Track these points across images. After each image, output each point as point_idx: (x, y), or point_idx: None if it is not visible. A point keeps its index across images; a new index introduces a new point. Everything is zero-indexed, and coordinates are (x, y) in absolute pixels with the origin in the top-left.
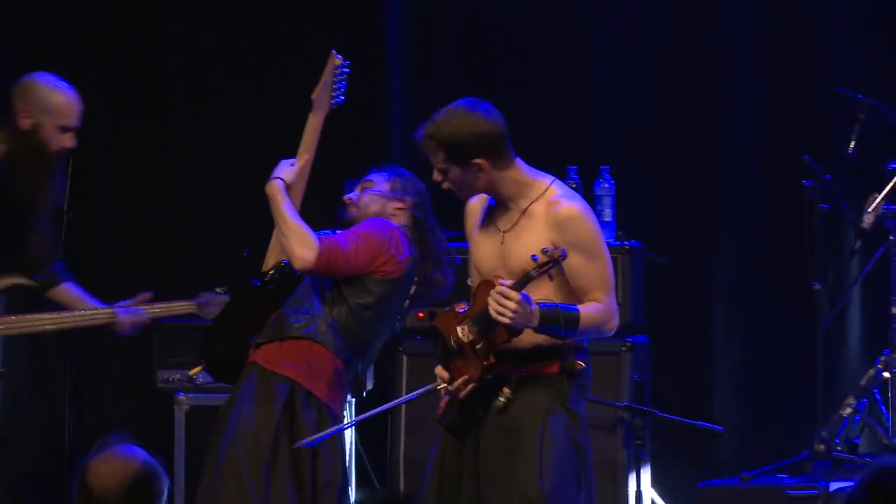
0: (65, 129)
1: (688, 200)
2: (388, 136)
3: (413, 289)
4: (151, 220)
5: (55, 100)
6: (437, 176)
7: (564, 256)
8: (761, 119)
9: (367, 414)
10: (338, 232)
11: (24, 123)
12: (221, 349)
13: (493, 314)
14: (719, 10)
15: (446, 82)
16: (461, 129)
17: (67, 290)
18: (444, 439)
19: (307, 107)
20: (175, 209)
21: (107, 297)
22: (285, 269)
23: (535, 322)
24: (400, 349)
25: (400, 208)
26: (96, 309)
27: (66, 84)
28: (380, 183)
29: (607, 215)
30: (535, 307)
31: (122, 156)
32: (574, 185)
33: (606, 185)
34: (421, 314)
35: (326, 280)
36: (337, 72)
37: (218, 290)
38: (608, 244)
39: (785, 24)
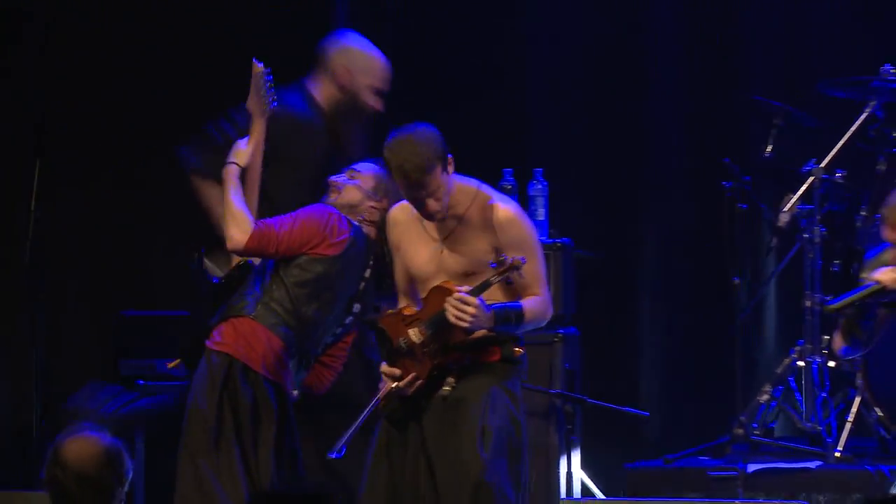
0: (376, 91)
1: (616, 201)
2: None
3: (366, 277)
4: (118, 220)
5: (372, 63)
6: (433, 206)
7: (524, 262)
8: (685, 125)
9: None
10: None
11: (342, 78)
12: (190, 343)
13: (453, 319)
14: (648, 24)
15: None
16: (426, 151)
17: None
18: (387, 429)
19: None
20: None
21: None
22: (246, 266)
23: (491, 323)
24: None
25: (375, 208)
26: None
27: (376, 49)
28: (366, 177)
29: (540, 215)
30: (490, 311)
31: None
32: (509, 187)
33: (539, 187)
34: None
35: (269, 264)
36: (261, 79)
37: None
38: (541, 242)
39: (708, 37)
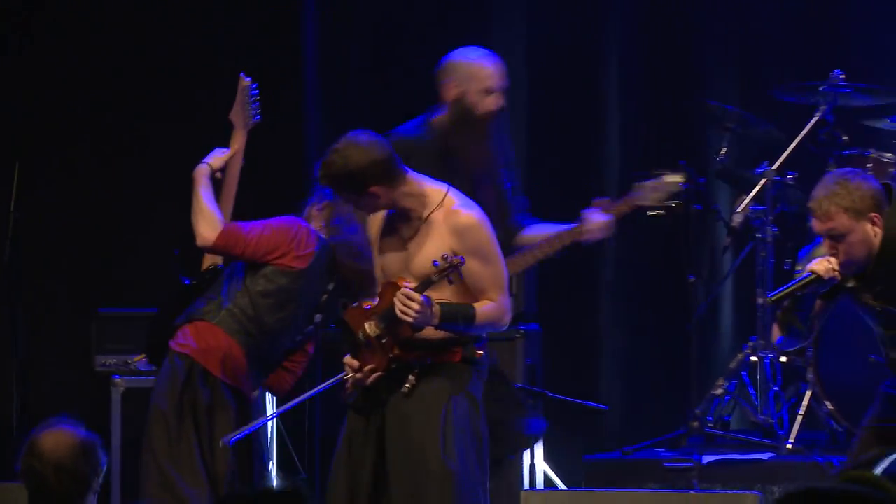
0: (488, 92)
1: (577, 203)
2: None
3: (328, 290)
4: (98, 220)
5: (474, 68)
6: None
7: (462, 262)
8: (643, 129)
9: (292, 403)
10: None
11: (451, 94)
12: (156, 340)
13: (398, 313)
14: (607, 31)
15: (356, 88)
16: (352, 163)
17: (533, 230)
18: (351, 419)
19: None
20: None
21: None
22: (216, 270)
23: (436, 321)
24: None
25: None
26: (565, 230)
27: (482, 51)
28: (322, 206)
29: None
30: (435, 307)
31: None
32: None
33: None
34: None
35: (238, 269)
36: (247, 93)
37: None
38: None
39: (664, 44)
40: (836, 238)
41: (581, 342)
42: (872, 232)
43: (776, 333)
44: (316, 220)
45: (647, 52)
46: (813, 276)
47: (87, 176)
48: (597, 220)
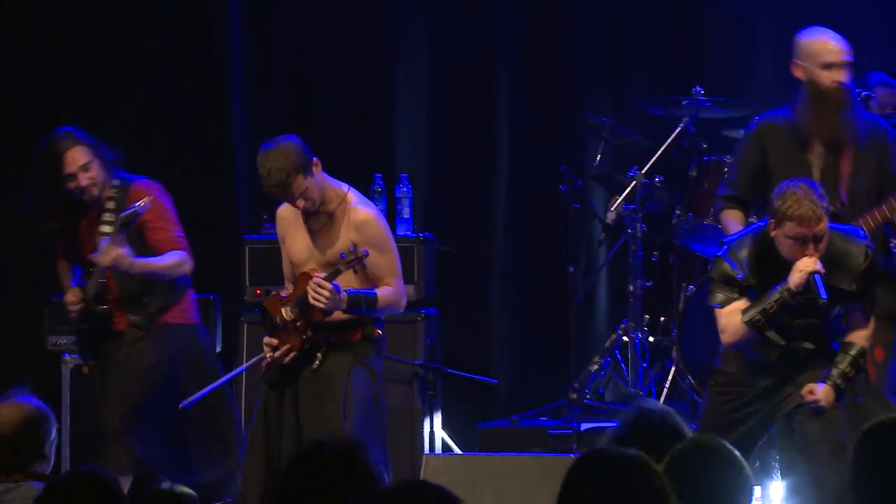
0: (828, 66)
1: (471, 201)
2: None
3: None
4: None
5: (813, 45)
6: (302, 204)
7: (367, 255)
8: (528, 136)
9: (228, 376)
10: None
11: (799, 73)
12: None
13: (311, 300)
14: (497, 48)
15: (280, 102)
16: (288, 161)
17: None
18: (265, 394)
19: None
20: None
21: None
22: None
23: (344, 306)
24: (241, 319)
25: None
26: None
27: (822, 29)
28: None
29: (406, 213)
30: (343, 294)
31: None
32: (379, 190)
33: (405, 189)
34: (258, 291)
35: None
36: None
37: None
38: (406, 236)
39: (546, 60)
40: (819, 239)
41: (474, 324)
42: None
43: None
44: None
45: (532, 72)
46: (785, 295)
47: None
48: None
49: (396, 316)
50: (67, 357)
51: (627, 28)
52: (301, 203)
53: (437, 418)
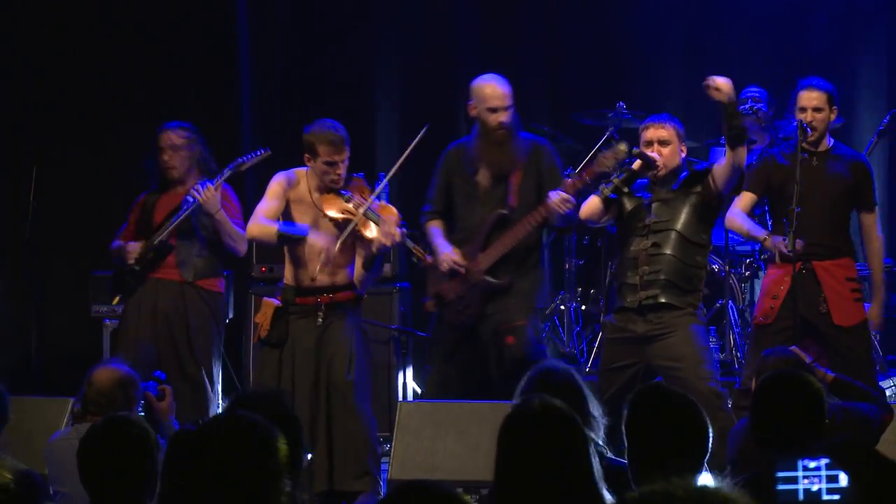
0: (494, 110)
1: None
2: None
3: None
4: None
5: (481, 91)
6: (342, 170)
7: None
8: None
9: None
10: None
11: (472, 112)
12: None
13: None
14: (456, 68)
15: (281, 97)
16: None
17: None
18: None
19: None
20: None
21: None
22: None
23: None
24: (250, 291)
25: None
26: (532, 212)
27: (490, 76)
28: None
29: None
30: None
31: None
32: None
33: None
34: (264, 268)
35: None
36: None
37: None
38: None
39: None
40: (664, 143)
41: None
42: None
43: (591, 210)
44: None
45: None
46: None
47: (84, 176)
48: (555, 197)
49: (376, 288)
50: (108, 322)
51: (566, 54)
52: (342, 170)
53: (409, 372)
